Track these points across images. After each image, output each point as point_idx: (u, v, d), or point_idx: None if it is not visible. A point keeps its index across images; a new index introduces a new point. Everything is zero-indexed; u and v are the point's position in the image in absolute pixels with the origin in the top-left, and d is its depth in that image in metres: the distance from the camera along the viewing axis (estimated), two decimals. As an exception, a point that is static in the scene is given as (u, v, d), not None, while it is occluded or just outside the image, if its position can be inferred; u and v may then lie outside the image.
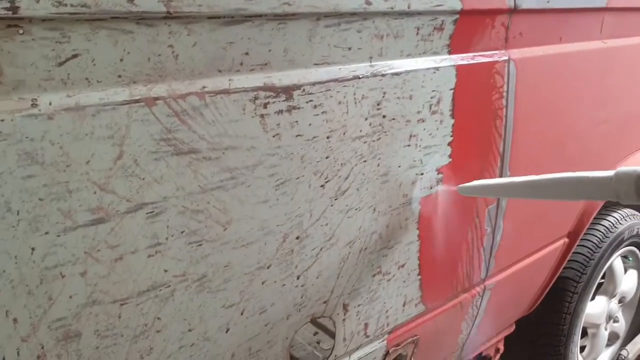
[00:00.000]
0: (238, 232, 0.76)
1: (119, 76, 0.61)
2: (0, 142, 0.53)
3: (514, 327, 1.81)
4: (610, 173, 0.79)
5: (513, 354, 2.04)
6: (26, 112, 0.54)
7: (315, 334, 0.96)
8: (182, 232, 0.70)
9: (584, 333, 2.05)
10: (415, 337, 1.21)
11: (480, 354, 1.73)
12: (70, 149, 0.58)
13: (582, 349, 2.10)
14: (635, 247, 2.07)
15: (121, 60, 0.61)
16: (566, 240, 1.62)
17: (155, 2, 0.61)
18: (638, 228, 1.98)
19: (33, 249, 0.57)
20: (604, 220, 1.88)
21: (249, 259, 0.79)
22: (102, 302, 0.64)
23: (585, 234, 1.78)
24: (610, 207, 1.94)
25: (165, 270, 0.70)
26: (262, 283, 0.82)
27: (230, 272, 0.77)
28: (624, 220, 1.92)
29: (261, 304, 0.83)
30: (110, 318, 0.65)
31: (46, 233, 0.58)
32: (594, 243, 1.82)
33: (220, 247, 0.75)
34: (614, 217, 1.91)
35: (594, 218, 1.82)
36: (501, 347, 1.82)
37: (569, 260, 1.73)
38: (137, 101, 0.62)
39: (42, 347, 0.60)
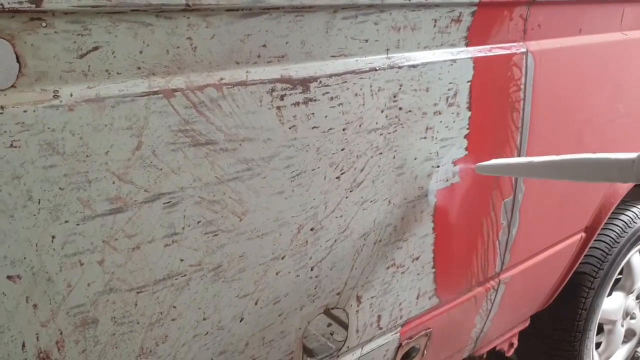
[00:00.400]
0: (253, 222, 0.77)
1: (138, 68, 0.62)
2: (22, 132, 0.54)
3: (528, 321, 1.80)
4: (632, 155, 0.77)
5: (527, 348, 2.04)
6: (48, 103, 0.55)
7: (329, 325, 0.97)
8: (199, 222, 0.71)
9: (600, 329, 2.04)
10: (428, 330, 1.21)
11: (494, 348, 1.73)
12: (90, 140, 0.59)
13: (598, 345, 2.08)
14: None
15: (140, 52, 0.62)
16: (583, 234, 1.61)
17: (173, -6, 0.61)
18: (657, 223, 1.95)
19: (53, 237, 0.58)
20: (623, 215, 1.86)
21: (264, 250, 0.79)
22: (119, 290, 0.65)
23: (603, 228, 1.76)
24: (629, 202, 1.92)
25: (182, 260, 0.71)
26: (277, 274, 0.83)
27: (245, 262, 0.78)
28: (642, 215, 1.90)
29: (275, 294, 0.84)
30: (127, 306, 0.67)
31: (66, 222, 0.59)
32: (612, 238, 1.80)
33: (236, 237, 0.75)
34: (632, 212, 1.88)
35: (612, 213, 1.80)
36: (515, 341, 1.81)
37: (585, 255, 1.72)
38: (155, 93, 0.63)
39: (61, 333, 0.62)
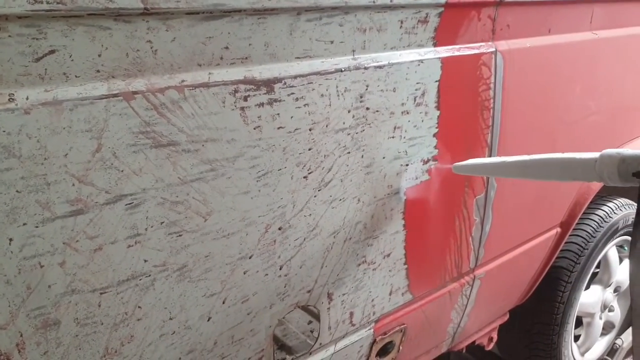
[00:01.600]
0: (219, 222, 0.78)
1: (97, 71, 0.63)
2: (-23, 136, 0.55)
3: (507, 316, 1.82)
4: (596, 155, 0.80)
5: (508, 342, 2.07)
6: (3, 106, 0.56)
7: (300, 322, 0.98)
8: (162, 222, 0.71)
9: (579, 322, 2.07)
10: (402, 326, 1.23)
11: (474, 342, 1.75)
12: (48, 143, 0.59)
13: (577, 338, 2.12)
14: (630, 236, 2.07)
15: (99, 55, 0.62)
16: (558, 230, 1.63)
17: (131, -2, 0.62)
18: (633, 217, 1.98)
19: (11, 239, 0.59)
20: (599, 210, 1.89)
21: (230, 250, 0.80)
22: (81, 291, 0.66)
23: (579, 223, 1.79)
24: (604, 197, 1.95)
25: (145, 260, 0.71)
26: (244, 273, 0.84)
27: (211, 262, 0.79)
28: (618, 210, 1.93)
29: (243, 293, 0.85)
30: (90, 307, 0.67)
31: (24, 224, 0.59)
32: (588, 233, 1.83)
33: (201, 237, 0.76)
34: (608, 206, 1.91)
35: (588, 208, 1.83)
36: (495, 336, 1.84)
37: (562, 250, 1.74)
38: (115, 95, 0.64)
39: (21, 335, 0.62)
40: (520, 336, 1.98)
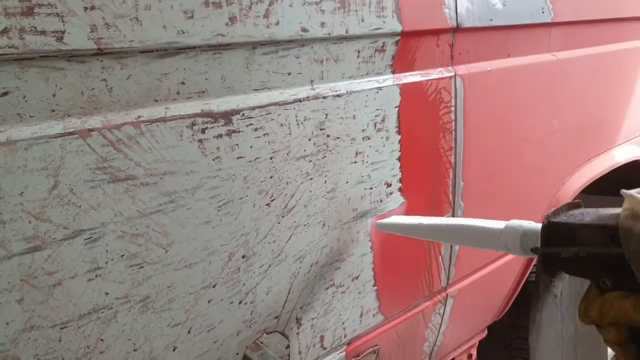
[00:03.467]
0: (180, 253, 0.79)
1: (52, 110, 0.64)
2: None
3: (485, 332, 1.84)
4: (502, 225, 0.81)
5: (488, 358, 2.08)
6: (-44, 149, 0.57)
7: (268, 348, 0.99)
8: (122, 255, 0.73)
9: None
10: (376, 347, 1.24)
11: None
12: (2, 182, 0.61)
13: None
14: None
15: (54, 95, 0.64)
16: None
17: (85, 40, 0.64)
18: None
19: (-34, 279, 0.60)
20: (578, 201, 1.92)
21: (193, 279, 0.81)
22: (41, 326, 0.67)
23: (551, 238, 1.82)
24: (577, 211, 1.98)
25: (107, 293, 0.72)
26: (209, 302, 0.85)
27: (174, 292, 0.80)
28: (590, 224, 1.96)
29: (209, 321, 0.86)
30: (50, 342, 0.68)
31: (-21, 263, 0.60)
32: (561, 247, 1.86)
33: (163, 268, 0.77)
34: (580, 221, 1.95)
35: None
36: (474, 353, 1.85)
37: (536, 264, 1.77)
38: (71, 133, 0.65)
39: (-22, 373, 0.63)
40: (500, 352, 1.99)
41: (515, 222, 0.80)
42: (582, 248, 0.66)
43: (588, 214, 0.69)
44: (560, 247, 0.69)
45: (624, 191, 0.63)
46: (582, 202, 0.75)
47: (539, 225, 0.75)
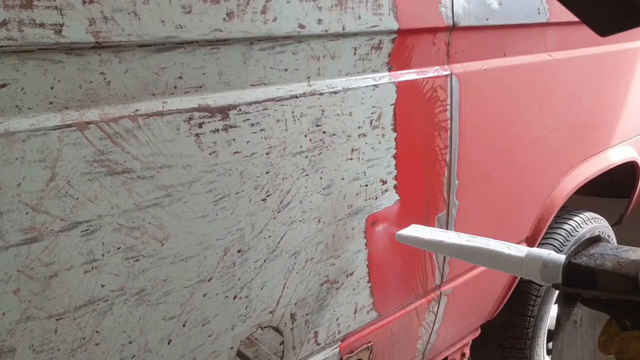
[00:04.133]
0: (176, 247, 0.79)
1: (50, 103, 0.65)
2: None
3: (479, 331, 1.85)
4: (522, 254, 0.86)
5: (482, 357, 2.09)
6: (-46, 140, 0.58)
7: (263, 343, 0.99)
8: (119, 248, 0.73)
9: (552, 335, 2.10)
10: (369, 344, 1.24)
11: (446, 358, 1.77)
12: (0, 173, 0.61)
13: (550, 351, 2.15)
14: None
15: (52, 87, 0.64)
16: (525, 244, 1.67)
17: (83, 33, 0.64)
18: (600, 230, 2.04)
19: (-38, 269, 0.60)
20: (565, 224, 1.94)
21: (189, 273, 0.82)
22: (37, 317, 0.67)
23: (546, 237, 1.83)
24: (570, 211, 2.00)
25: (103, 285, 0.73)
26: (204, 295, 0.85)
27: (169, 285, 0.80)
28: (584, 223, 1.98)
29: (204, 315, 0.86)
30: (46, 333, 0.68)
31: (-24, 253, 0.61)
32: (555, 247, 1.88)
33: (158, 261, 0.78)
34: (574, 220, 1.96)
35: (555, 222, 1.88)
36: (467, 351, 1.86)
37: (530, 265, 1.78)
38: (68, 126, 0.66)
39: (-26, 362, 0.63)
40: (493, 351, 2.00)
41: (536, 253, 0.84)
42: (604, 292, 0.71)
43: (608, 258, 0.73)
44: (582, 288, 0.74)
45: None
46: (600, 236, 0.80)
47: (559, 258, 0.80)
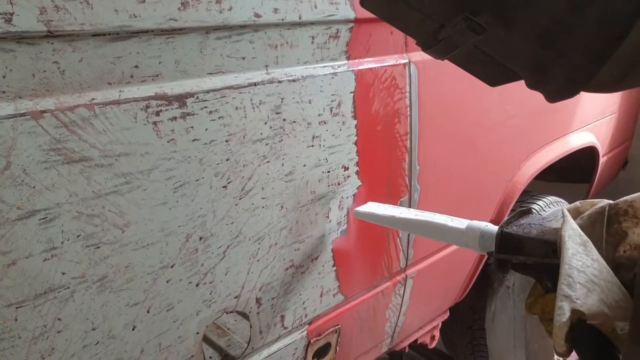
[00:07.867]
0: (137, 234, 0.81)
1: (3, 92, 0.65)
2: None
3: (448, 313, 1.90)
4: (464, 225, 0.93)
5: (453, 339, 2.15)
6: None
7: (229, 328, 1.01)
8: (79, 235, 0.74)
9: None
10: (337, 327, 1.27)
11: (416, 341, 1.81)
12: (-47, 163, 0.62)
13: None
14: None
15: (4, 77, 0.65)
16: (488, 228, 1.71)
17: (34, 22, 0.65)
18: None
19: None
20: (529, 208, 1.99)
21: (151, 259, 0.83)
22: (-4, 305, 0.68)
23: (510, 221, 1.89)
24: (533, 195, 2.06)
25: (63, 273, 0.74)
26: (167, 282, 0.87)
27: (132, 272, 0.81)
28: (547, 207, 2.04)
29: (168, 301, 0.88)
30: (6, 321, 0.69)
31: None
32: (519, 230, 1.93)
33: (120, 248, 0.79)
34: (537, 204, 2.02)
35: (520, 206, 1.94)
36: (437, 334, 1.91)
37: (495, 248, 1.83)
38: (22, 115, 0.66)
39: None
40: (462, 333, 2.06)
41: (475, 225, 0.91)
42: (529, 257, 0.77)
43: (534, 227, 0.80)
44: (512, 254, 0.80)
45: (564, 209, 0.73)
46: (532, 209, 0.86)
47: (494, 228, 0.86)
